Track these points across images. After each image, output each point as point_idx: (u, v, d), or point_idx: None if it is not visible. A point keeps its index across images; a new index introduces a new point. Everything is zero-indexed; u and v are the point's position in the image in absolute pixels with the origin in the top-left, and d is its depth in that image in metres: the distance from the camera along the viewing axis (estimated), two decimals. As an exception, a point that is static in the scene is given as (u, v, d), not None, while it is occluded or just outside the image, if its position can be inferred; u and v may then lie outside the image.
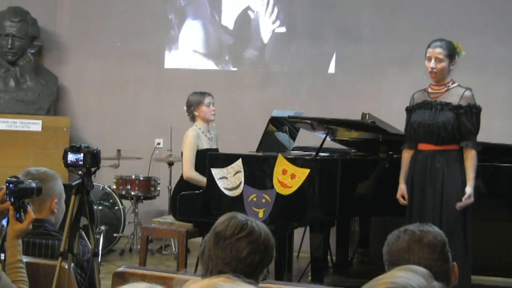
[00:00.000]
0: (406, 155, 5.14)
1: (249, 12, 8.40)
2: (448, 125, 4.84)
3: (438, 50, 4.89)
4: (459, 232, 4.79)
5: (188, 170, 5.86)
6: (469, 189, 4.77)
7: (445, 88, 4.96)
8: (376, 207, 5.68)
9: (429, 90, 5.04)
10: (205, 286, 1.30)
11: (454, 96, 4.90)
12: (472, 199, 4.78)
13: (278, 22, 8.30)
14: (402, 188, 5.09)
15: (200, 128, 6.01)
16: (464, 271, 4.77)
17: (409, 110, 5.13)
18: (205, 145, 5.95)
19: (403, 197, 5.08)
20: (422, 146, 5.01)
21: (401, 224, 2.47)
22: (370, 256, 6.97)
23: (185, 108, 6.09)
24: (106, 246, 7.06)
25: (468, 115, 4.84)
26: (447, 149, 4.90)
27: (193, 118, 6.05)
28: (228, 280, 1.34)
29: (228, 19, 8.48)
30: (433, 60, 4.90)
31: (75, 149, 3.42)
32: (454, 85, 4.96)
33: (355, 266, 7.02)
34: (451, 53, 4.91)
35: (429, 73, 4.96)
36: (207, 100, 6.01)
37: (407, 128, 5.14)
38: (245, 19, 8.42)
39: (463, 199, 4.77)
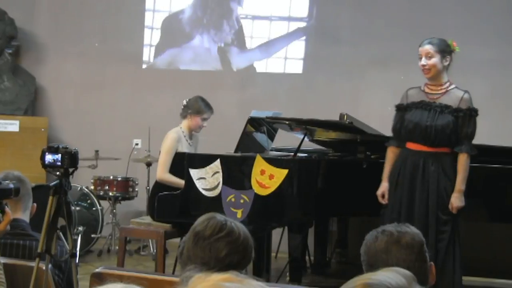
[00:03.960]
0: (391, 154, 5.06)
1: (229, 13, 8.39)
2: (447, 128, 4.78)
3: (427, 46, 4.83)
4: (451, 232, 4.76)
5: (161, 172, 5.84)
6: (455, 195, 4.75)
7: (444, 90, 4.88)
8: (355, 207, 5.68)
9: (426, 90, 4.93)
10: (212, 285, 1.28)
11: (453, 99, 4.83)
12: (461, 204, 4.75)
13: (258, 24, 8.31)
14: (385, 186, 5.00)
15: (183, 132, 6.00)
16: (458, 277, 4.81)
17: (402, 108, 5.00)
18: (184, 149, 5.91)
19: (383, 195, 4.99)
20: (413, 146, 4.91)
21: (379, 224, 2.48)
22: (348, 256, 6.98)
23: (184, 102, 6.04)
24: (84, 247, 7.03)
25: (467, 119, 4.80)
26: (440, 151, 4.84)
27: (183, 117, 6.04)
28: (234, 278, 1.33)
29: (208, 20, 8.47)
30: (423, 58, 4.84)
31: (53, 150, 3.41)
32: (452, 86, 4.89)
33: (333, 266, 7.04)
34: (442, 48, 4.84)
35: (422, 71, 4.88)
36: (206, 115, 5.99)
37: (397, 126, 5.01)
38: (224, 19, 8.42)
39: (452, 206, 4.74)
